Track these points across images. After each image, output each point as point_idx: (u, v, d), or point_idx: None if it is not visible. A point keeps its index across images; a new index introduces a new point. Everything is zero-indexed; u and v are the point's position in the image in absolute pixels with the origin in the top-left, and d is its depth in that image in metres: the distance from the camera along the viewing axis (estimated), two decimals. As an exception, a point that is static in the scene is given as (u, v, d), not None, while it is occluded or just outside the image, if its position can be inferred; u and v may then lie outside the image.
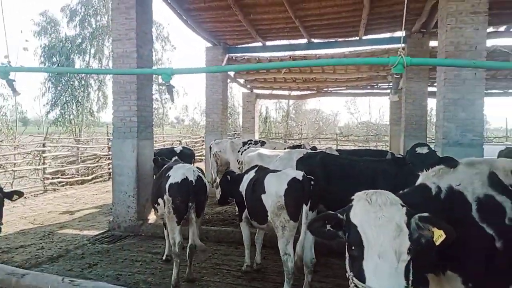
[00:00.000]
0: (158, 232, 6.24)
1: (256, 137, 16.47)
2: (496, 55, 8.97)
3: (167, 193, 4.26)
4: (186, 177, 4.24)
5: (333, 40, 10.86)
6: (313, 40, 10.82)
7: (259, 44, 11.39)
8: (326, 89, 17.73)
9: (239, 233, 4.84)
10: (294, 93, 19.33)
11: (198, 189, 4.28)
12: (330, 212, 1.93)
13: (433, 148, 4.80)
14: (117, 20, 6.74)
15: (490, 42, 8.02)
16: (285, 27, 10.00)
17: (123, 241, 6.11)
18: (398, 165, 4.40)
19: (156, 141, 18.84)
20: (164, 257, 5.19)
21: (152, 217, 6.93)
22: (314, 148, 7.46)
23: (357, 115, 40.55)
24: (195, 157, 10.47)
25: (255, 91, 17.77)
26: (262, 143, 9.09)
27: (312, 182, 4.05)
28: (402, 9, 3.63)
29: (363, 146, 25.80)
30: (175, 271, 4.24)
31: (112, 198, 6.79)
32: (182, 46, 72.53)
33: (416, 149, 4.29)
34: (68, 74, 20.86)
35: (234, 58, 12.54)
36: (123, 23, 6.66)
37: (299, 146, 8.83)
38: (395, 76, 2.61)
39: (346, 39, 10.68)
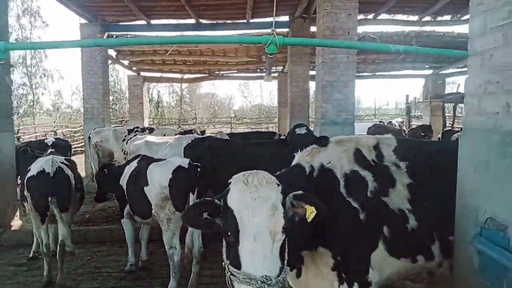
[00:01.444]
0: (24, 239, 5.32)
1: (146, 124, 15.54)
2: (365, 40, 10.01)
3: (25, 188, 3.94)
4: (43, 169, 3.87)
5: (221, 21, 10.67)
6: (201, 20, 10.46)
7: (143, 22, 10.53)
8: (217, 72, 17.65)
9: (123, 230, 4.40)
10: (186, 76, 18.75)
11: (58, 181, 3.92)
12: (207, 198, 1.80)
13: (313, 128, 5.10)
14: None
15: (360, 29, 8.82)
16: (171, 5, 9.39)
17: (-24, 255, 5.02)
18: (281, 146, 4.52)
19: (24, 133, 16.42)
20: (31, 254, 4.81)
21: (16, 223, 5.87)
22: (203, 132, 7.29)
23: (250, 98, 41.99)
24: (73, 149, 9.28)
25: (142, 73, 16.62)
26: (151, 130, 8.56)
27: (199, 169, 3.90)
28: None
29: (256, 128, 26.85)
30: (46, 268, 4.03)
31: (-41, 205, 5.53)
32: (57, 23, 63.42)
33: (296, 130, 4.47)
34: None
35: (115, 36, 11.37)
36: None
37: (190, 132, 8.57)
38: (268, 56, 2.57)
39: (235, 21, 10.61)
